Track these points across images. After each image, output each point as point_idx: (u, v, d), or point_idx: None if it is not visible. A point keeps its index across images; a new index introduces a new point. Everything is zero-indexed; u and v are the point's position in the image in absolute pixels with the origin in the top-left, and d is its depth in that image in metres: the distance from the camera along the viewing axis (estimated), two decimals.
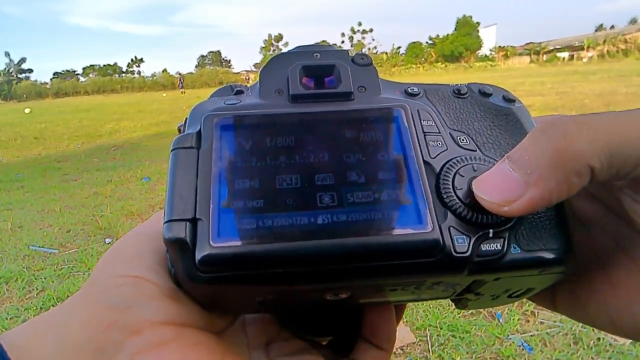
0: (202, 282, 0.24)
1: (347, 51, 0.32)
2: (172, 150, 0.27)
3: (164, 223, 0.25)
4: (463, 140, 0.29)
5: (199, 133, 0.27)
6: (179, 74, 68.32)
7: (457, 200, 0.26)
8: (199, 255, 0.24)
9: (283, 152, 0.27)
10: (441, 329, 2.01)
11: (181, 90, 44.24)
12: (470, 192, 0.26)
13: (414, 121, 0.29)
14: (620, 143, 0.22)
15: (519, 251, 0.26)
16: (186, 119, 0.30)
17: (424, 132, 0.29)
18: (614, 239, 0.28)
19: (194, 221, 0.24)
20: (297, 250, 0.24)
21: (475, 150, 0.29)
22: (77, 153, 7.85)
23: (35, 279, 2.81)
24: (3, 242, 3.47)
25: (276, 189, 0.26)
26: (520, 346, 1.86)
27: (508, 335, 1.92)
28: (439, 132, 0.29)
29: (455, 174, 0.27)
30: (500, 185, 0.24)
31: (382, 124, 0.29)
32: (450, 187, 0.26)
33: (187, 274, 0.25)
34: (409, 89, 0.32)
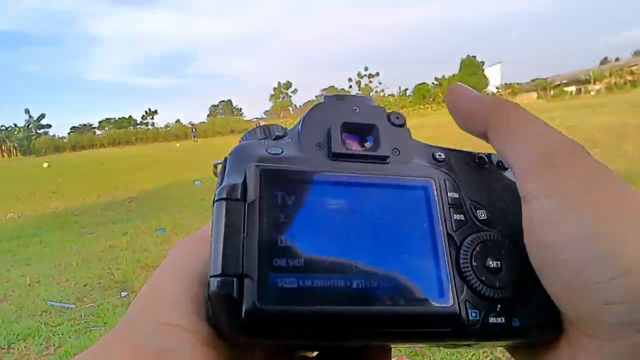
0: (246, 336, 0.26)
1: (383, 108, 0.34)
2: (217, 200, 0.27)
3: (211, 276, 0.25)
4: (482, 214, 0.32)
5: (244, 184, 0.28)
6: (192, 124, 69.57)
7: (474, 276, 0.29)
8: (245, 312, 0.25)
9: (323, 212, 0.28)
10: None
11: (194, 139, 44.96)
12: (484, 269, 0.29)
13: (441, 192, 0.31)
14: (503, 128, 0.29)
15: (518, 324, 0.29)
16: (226, 158, 0.31)
17: (449, 205, 0.31)
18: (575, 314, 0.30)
19: (241, 277, 0.25)
20: (334, 315, 0.26)
21: (491, 226, 0.31)
22: (94, 206, 7.99)
23: (53, 334, 2.83)
24: (22, 298, 3.51)
25: (316, 249, 0.27)
26: None
27: None
28: (462, 205, 0.31)
29: (473, 251, 0.29)
30: (468, 93, 0.32)
31: (413, 193, 0.31)
32: (469, 263, 0.29)
33: (231, 327, 0.26)
34: (436, 154, 0.34)
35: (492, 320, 0.28)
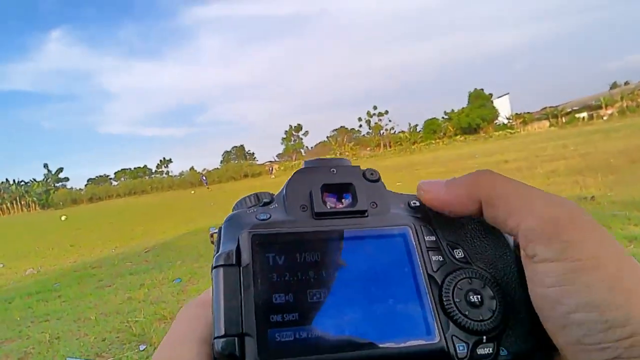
0: None
1: (358, 167, 0.37)
2: (215, 267, 0.30)
3: (214, 338, 0.28)
4: (459, 253, 0.34)
5: (238, 250, 0.31)
6: (201, 173, 70.19)
7: (457, 312, 0.30)
8: None
9: (311, 267, 0.31)
10: None
11: (207, 186, 45.64)
12: (466, 304, 0.31)
13: (418, 237, 0.34)
14: (500, 195, 0.31)
15: (507, 353, 0.30)
16: (220, 228, 0.33)
17: (427, 248, 0.33)
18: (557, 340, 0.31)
19: (242, 336, 0.28)
20: None
21: (468, 263, 0.33)
22: (111, 257, 8.03)
23: None
24: (42, 355, 3.50)
25: (308, 302, 0.29)
26: None
27: None
28: (439, 248, 0.34)
29: (454, 288, 0.31)
30: (432, 185, 0.35)
31: (393, 241, 0.33)
32: (451, 300, 0.31)
33: None
34: (410, 203, 0.36)
35: (480, 351, 0.30)
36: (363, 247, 0.33)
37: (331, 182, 0.35)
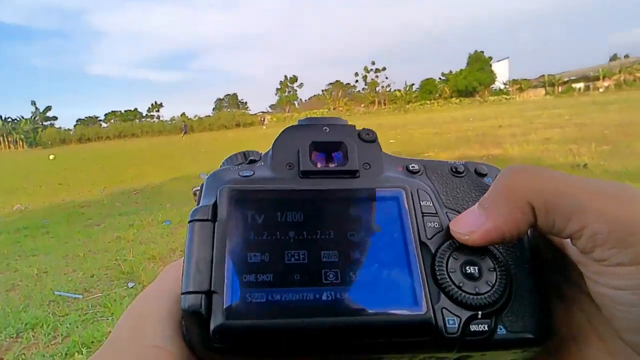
0: (214, 352, 0.26)
1: (353, 126, 0.34)
2: (189, 222, 0.29)
3: (181, 294, 0.26)
4: None
5: (214, 206, 0.29)
6: (184, 121, 69.08)
7: (450, 283, 0.27)
8: (213, 327, 0.25)
9: (292, 228, 0.28)
10: None
11: (183, 134, 46.37)
12: (462, 276, 0.28)
13: (413, 202, 0.31)
14: (556, 194, 0.25)
15: (505, 332, 0.28)
16: (202, 185, 0.32)
17: (422, 213, 0.30)
18: (587, 317, 0.29)
19: (209, 294, 0.26)
20: (303, 327, 0.26)
21: None
22: (100, 198, 8.03)
23: (60, 324, 2.84)
24: (29, 288, 3.53)
25: (285, 264, 0.27)
26: None
27: None
28: (436, 213, 0.31)
29: (449, 257, 0.28)
30: (467, 218, 0.29)
31: (384, 204, 0.30)
32: (445, 269, 0.28)
33: (201, 344, 0.26)
34: (409, 166, 0.34)
35: (474, 328, 0.27)
36: (350, 209, 0.30)
37: (321, 140, 0.33)
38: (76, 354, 2.48)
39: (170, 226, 5.16)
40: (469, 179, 0.34)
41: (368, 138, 0.34)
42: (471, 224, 0.28)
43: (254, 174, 0.31)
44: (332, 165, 0.32)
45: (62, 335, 2.72)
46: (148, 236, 4.83)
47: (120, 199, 7.68)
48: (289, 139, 0.33)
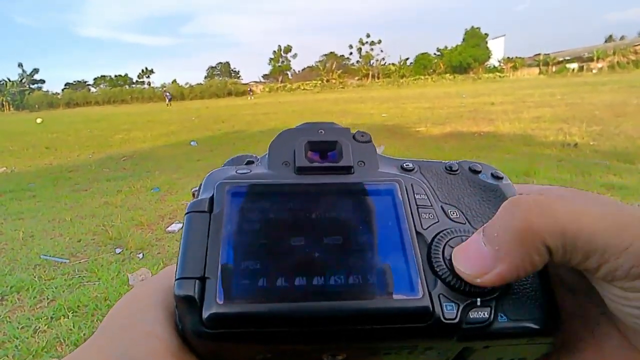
0: (207, 338, 0.26)
1: (348, 129, 0.35)
2: (186, 213, 0.29)
3: (175, 280, 0.26)
4: (453, 213, 0.31)
5: (211, 198, 0.30)
6: (166, 90, 67.33)
7: (447, 269, 0.27)
8: (205, 313, 0.25)
9: (287, 218, 0.29)
10: None
11: (167, 103, 46.37)
12: None
13: (407, 195, 0.31)
14: (574, 233, 0.24)
15: (506, 320, 0.27)
16: (201, 184, 0.33)
17: (417, 205, 0.31)
18: (600, 308, 0.28)
19: (203, 280, 0.26)
20: (296, 312, 0.26)
21: (465, 223, 0.31)
22: (88, 163, 7.94)
23: (46, 288, 2.83)
24: (15, 251, 3.51)
25: (278, 253, 0.27)
26: None
27: None
28: (431, 206, 0.31)
29: (445, 245, 0.28)
30: (474, 258, 0.26)
31: (378, 196, 0.31)
32: (441, 256, 0.28)
33: (193, 330, 0.26)
34: (404, 165, 0.34)
35: (473, 315, 0.27)
36: (344, 201, 0.30)
37: (316, 139, 0.34)
38: (62, 317, 2.48)
39: (159, 193, 5.13)
40: (463, 176, 0.34)
41: (362, 139, 0.35)
42: (480, 265, 0.26)
43: (250, 171, 0.32)
44: (327, 163, 0.33)
45: (47, 298, 2.71)
46: (136, 202, 4.80)
47: (108, 164, 7.61)
48: (285, 139, 0.34)
